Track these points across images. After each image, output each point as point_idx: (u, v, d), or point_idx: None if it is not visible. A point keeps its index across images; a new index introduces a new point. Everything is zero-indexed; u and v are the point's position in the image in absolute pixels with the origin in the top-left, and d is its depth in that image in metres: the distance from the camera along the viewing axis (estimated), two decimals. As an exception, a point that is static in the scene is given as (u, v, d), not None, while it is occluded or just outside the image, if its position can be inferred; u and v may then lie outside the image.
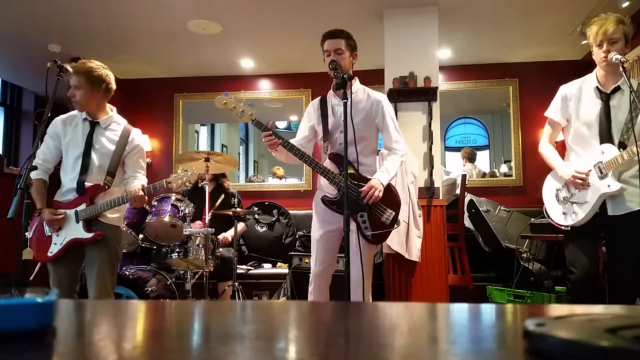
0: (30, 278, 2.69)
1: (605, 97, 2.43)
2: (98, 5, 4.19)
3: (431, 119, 4.04)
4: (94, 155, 2.59)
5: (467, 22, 4.60)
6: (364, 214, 2.54)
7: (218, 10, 4.31)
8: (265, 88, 6.04)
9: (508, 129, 5.72)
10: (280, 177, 6.48)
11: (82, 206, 2.56)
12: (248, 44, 5.15)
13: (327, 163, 2.63)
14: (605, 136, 2.40)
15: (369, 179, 2.56)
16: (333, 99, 2.69)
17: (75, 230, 2.56)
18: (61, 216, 2.55)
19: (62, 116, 2.69)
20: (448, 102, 5.20)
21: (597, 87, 2.46)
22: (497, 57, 5.46)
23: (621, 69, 2.33)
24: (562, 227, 2.50)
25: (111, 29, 4.68)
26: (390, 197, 2.61)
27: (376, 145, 2.78)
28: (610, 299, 2.53)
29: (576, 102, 2.51)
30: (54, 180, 2.72)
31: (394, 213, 2.60)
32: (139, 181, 2.66)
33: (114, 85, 2.68)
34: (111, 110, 2.71)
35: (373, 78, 5.11)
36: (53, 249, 2.56)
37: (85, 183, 2.57)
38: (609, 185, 2.36)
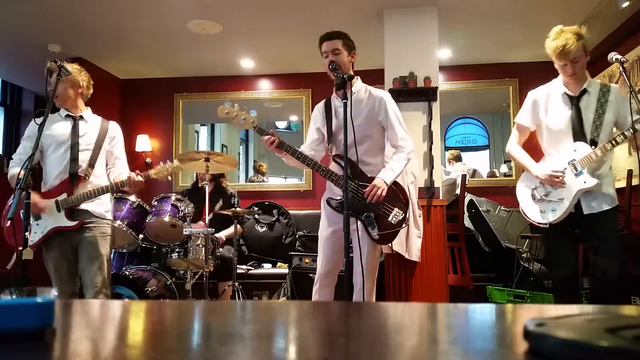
0: (8, 267, 2.70)
1: (575, 101, 2.52)
2: (98, 6, 4.19)
3: (431, 119, 4.04)
4: (80, 147, 2.71)
5: (467, 22, 4.59)
6: (370, 214, 2.52)
7: (218, 10, 4.31)
8: (265, 88, 6.04)
9: (508, 129, 5.72)
10: (263, 174, 6.47)
11: (63, 195, 2.63)
12: (248, 44, 5.15)
13: (333, 165, 2.63)
14: (579, 136, 2.49)
15: (373, 179, 2.53)
16: (336, 101, 2.69)
17: (57, 219, 2.62)
18: (43, 206, 2.59)
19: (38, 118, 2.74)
20: (448, 102, 5.20)
21: (565, 92, 2.55)
22: (497, 57, 5.46)
23: (621, 68, 2.37)
24: (541, 226, 2.57)
25: (111, 29, 4.68)
26: (397, 196, 2.57)
27: (383, 144, 2.73)
28: (598, 298, 2.56)
29: (545, 107, 2.60)
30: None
31: (401, 212, 2.56)
32: (122, 167, 2.82)
33: (91, 89, 2.85)
34: (86, 108, 2.86)
35: (373, 78, 5.09)
36: (34, 238, 2.61)
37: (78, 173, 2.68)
38: (584, 182, 2.44)
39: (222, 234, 4.13)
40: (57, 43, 4.90)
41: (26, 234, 2.57)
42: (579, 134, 2.49)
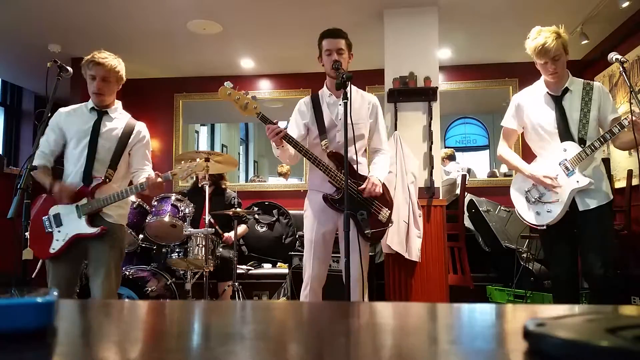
0: (32, 276, 2.67)
1: (558, 100, 2.55)
2: (98, 5, 4.19)
3: (431, 119, 4.04)
4: (100, 146, 2.55)
5: (467, 22, 4.60)
6: (364, 212, 2.55)
7: (218, 10, 4.31)
8: (265, 88, 6.04)
9: (508, 129, 5.71)
10: (285, 174, 6.44)
11: (84, 200, 2.49)
12: (248, 44, 5.15)
13: (327, 161, 2.63)
14: (565, 135, 2.51)
15: (364, 177, 2.57)
16: (327, 98, 2.69)
17: (78, 226, 2.48)
18: (71, 188, 2.46)
19: (65, 108, 2.66)
20: (448, 102, 5.20)
21: (547, 92, 2.58)
22: (497, 57, 5.46)
23: (621, 68, 2.37)
24: (539, 227, 2.58)
25: (111, 29, 4.68)
26: (385, 196, 2.64)
27: (366, 145, 2.79)
28: (595, 296, 2.56)
29: (530, 110, 2.63)
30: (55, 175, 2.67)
31: (389, 211, 2.64)
32: (147, 173, 2.61)
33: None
34: (118, 102, 2.73)
35: (373, 78, 5.11)
36: (55, 245, 2.48)
37: (93, 173, 2.52)
38: (577, 181, 2.46)
39: (232, 234, 4.11)
40: (57, 43, 4.91)
41: (26, 233, 2.56)
42: (564, 133, 2.51)
